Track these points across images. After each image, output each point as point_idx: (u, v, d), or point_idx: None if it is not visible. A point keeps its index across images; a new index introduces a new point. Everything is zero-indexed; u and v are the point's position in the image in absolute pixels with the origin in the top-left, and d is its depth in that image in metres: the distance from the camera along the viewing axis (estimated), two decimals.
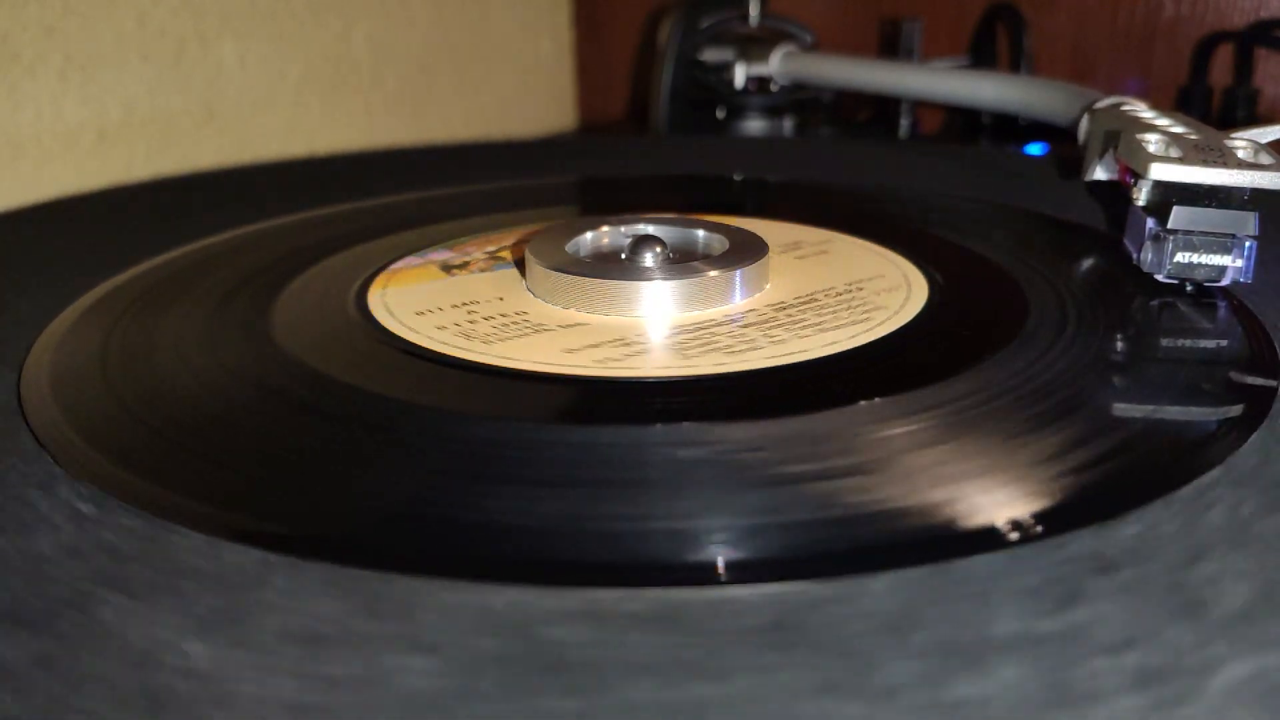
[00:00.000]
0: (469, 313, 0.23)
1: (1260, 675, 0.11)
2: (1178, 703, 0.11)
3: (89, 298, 0.25)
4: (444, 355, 0.21)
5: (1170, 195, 0.23)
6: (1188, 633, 0.12)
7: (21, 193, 0.41)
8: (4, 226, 0.33)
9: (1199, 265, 0.23)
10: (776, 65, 0.53)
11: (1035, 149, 0.46)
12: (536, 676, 0.12)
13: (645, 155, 0.46)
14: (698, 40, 0.55)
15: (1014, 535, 0.14)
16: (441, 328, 0.22)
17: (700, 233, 0.26)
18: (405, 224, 0.32)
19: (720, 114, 0.55)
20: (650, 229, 0.26)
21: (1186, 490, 0.15)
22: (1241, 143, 0.24)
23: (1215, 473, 0.16)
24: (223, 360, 0.21)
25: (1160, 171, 0.23)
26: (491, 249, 0.28)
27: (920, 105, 0.53)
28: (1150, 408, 0.18)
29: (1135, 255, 0.24)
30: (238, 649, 0.12)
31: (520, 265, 0.26)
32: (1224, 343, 0.21)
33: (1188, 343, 0.21)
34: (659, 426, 0.17)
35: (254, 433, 0.18)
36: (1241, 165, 0.22)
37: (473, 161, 0.43)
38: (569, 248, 0.25)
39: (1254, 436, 0.17)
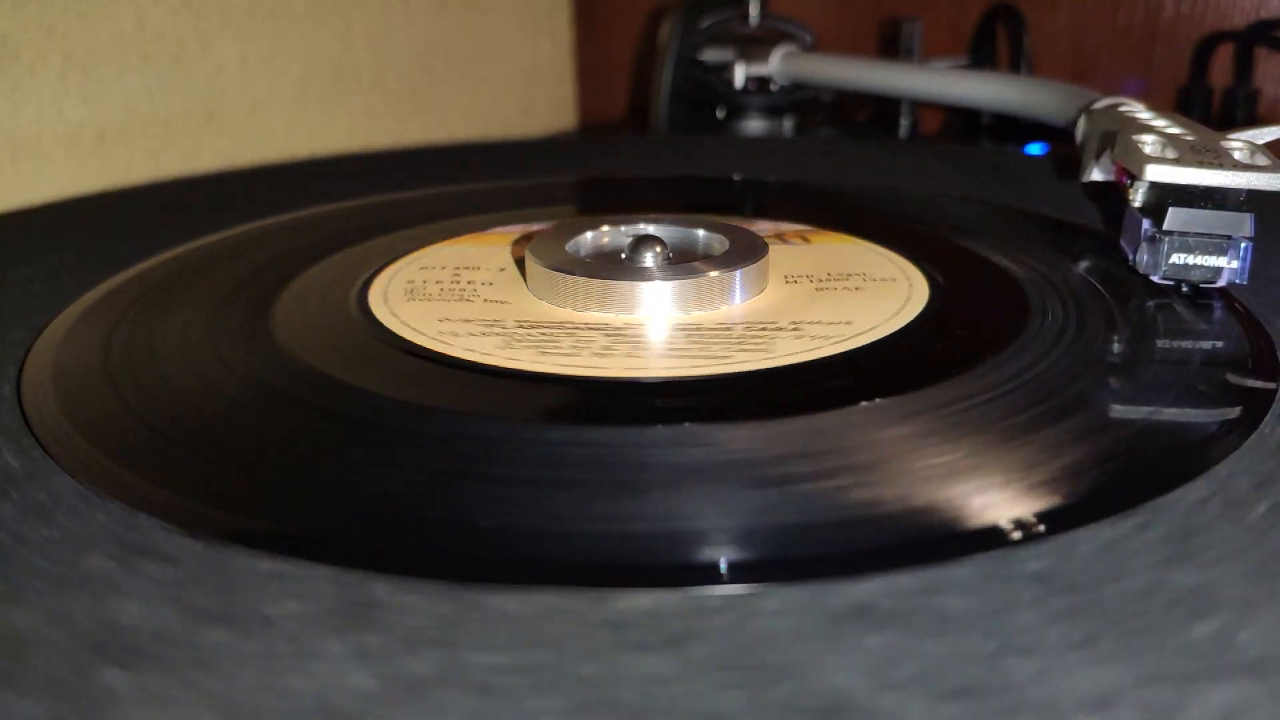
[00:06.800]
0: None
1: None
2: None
3: (89, 298, 0.25)
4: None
5: (1166, 196, 0.23)
6: (1194, 637, 0.12)
7: (21, 193, 0.42)
8: (4, 226, 0.33)
9: (1194, 266, 0.23)
10: (776, 65, 0.53)
11: (1035, 149, 0.46)
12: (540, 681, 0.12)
13: (645, 155, 0.46)
14: (698, 40, 0.55)
15: (1015, 534, 0.14)
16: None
17: (700, 232, 0.26)
18: (405, 223, 0.32)
19: (720, 114, 0.55)
20: (650, 229, 0.26)
21: (1185, 491, 0.15)
22: (1238, 144, 0.24)
23: (1214, 473, 0.16)
24: (225, 361, 0.21)
25: (1156, 173, 0.23)
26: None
27: (920, 105, 0.53)
28: (1148, 409, 0.18)
29: (1131, 256, 0.24)
30: (240, 652, 0.12)
31: (520, 265, 0.26)
32: (1221, 344, 0.21)
33: (1186, 344, 0.21)
34: (659, 427, 0.17)
35: (255, 433, 0.18)
36: (1237, 167, 0.22)
37: (473, 161, 0.43)
38: (569, 248, 0.25)
39: (1252, 437, 0.17)
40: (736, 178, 0.39)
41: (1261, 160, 0.23)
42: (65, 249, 0.30)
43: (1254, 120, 0.48)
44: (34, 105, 0.42)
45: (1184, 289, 0.24)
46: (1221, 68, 0.49)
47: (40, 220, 0.34)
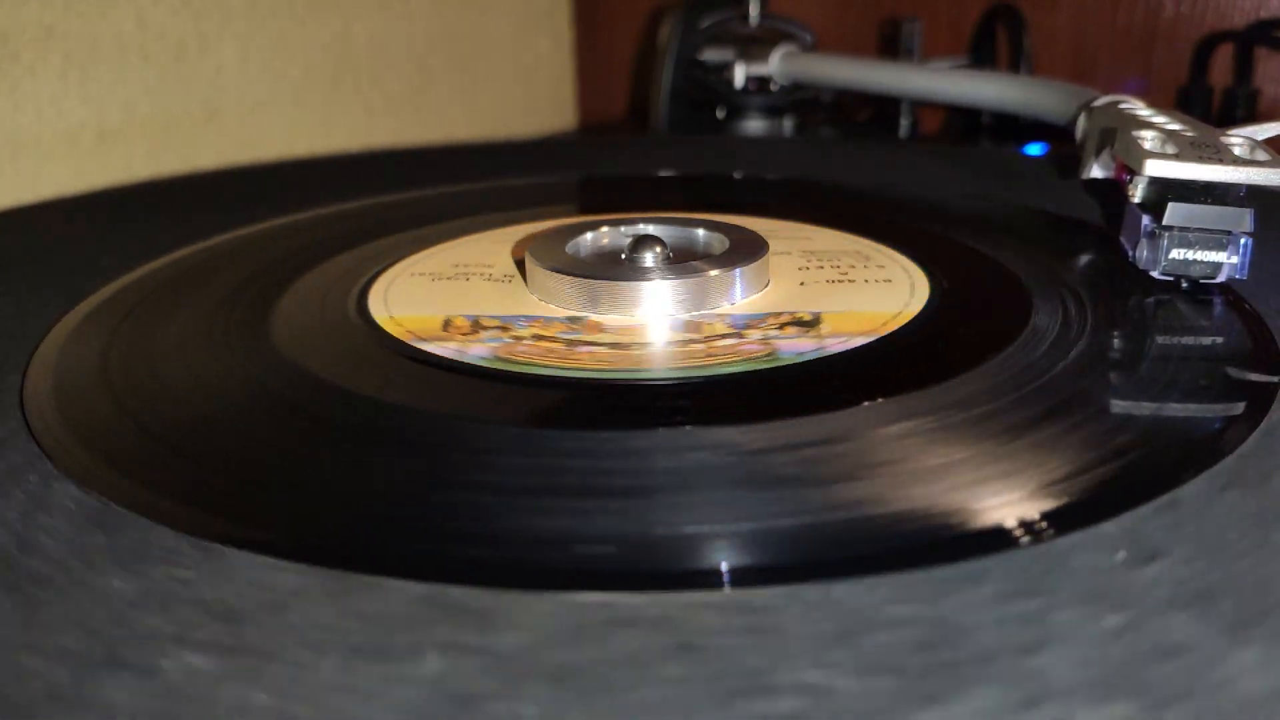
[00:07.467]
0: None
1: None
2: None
3: (90, 301, 0.25)
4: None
5: (1166, 192, 0.23)
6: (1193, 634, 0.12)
7: (21, 193, 0.42)
8: (4, 226, 0.33)
9: (1194, 262, 0.23)
10: (776, 65, 0.53)
11: (1035, 149, 0.46)
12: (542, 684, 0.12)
13: (645, 155, 0.46)
14: (698, 40, 0.55)
15: (1021, 535, 0.14)
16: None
17: (700, 232, 0.26)
18: (405, 224, 0.32)
19: (720, 114, 0.55)
20: (650, 229, 0.26)
21: (1189, 488, 0.15)
22: (1238, 139, 0.24)
23: (1217, 470, 0.16)
24: (225, 364, 0.21)
25: (1156, 168, 0.23)
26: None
27: (920, 105, 0.53)
28: (1151, 406, 0.18)
29: (1131, 252, 0.24)
30: (239, 657, 0.12)
31: (521, 266, 0.26)
32: (1222, 339, 0.21)
33: (1187, 340, 0.21)
34: (660, 430, 0.17)
35: (255, 438, 0.18)
36: (1237, 162, 0.22)
37: (473, 161, 0.43)
38: (569, 248, 0.25)
39: (1256, 432, 0.17)
40: (737, 176, 0.39)
41: (1261, 155, 0.23)
42: (65, 249, 0.30)
43: (1254, 120, 0.48)
44: (34, 105, 0.42)
45: (1184, 284, 0.24)
46: (1221, 68, 0.49)
47: (40, 220, 0.34)
